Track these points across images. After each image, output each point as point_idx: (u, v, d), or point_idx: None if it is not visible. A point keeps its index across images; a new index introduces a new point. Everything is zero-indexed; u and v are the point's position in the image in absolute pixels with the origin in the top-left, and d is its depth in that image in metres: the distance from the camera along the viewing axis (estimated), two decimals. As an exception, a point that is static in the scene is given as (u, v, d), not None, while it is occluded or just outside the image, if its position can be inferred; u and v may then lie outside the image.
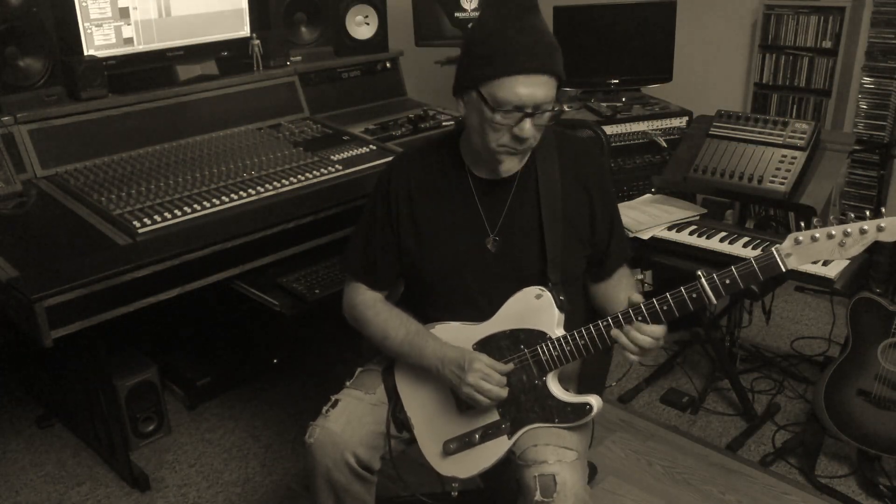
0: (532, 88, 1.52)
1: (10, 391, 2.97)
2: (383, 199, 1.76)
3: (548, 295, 1.63)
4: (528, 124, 1.55)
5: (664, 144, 3.27)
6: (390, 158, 2.49)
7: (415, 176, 1.75)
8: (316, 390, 2.86)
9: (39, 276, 1.87)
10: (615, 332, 1.57)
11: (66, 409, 2.75)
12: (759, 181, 2.52)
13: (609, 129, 3.15)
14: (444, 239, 1.72)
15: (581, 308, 1.81)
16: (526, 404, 1.65)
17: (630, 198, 2.87)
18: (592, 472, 2.41)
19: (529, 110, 1.54)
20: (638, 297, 1.57)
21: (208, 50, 2.79)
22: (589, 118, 3.25)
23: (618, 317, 1.57)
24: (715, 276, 1.51)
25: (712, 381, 2.92)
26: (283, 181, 2.36)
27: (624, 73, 3.52)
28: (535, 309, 1.65)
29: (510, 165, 1.64)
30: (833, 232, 1.44)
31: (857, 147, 2.93)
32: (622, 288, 1.77)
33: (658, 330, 1.55)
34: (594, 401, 1.63)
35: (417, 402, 1.75)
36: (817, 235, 1.45)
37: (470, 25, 3.41)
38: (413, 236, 1.74)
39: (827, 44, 3.55)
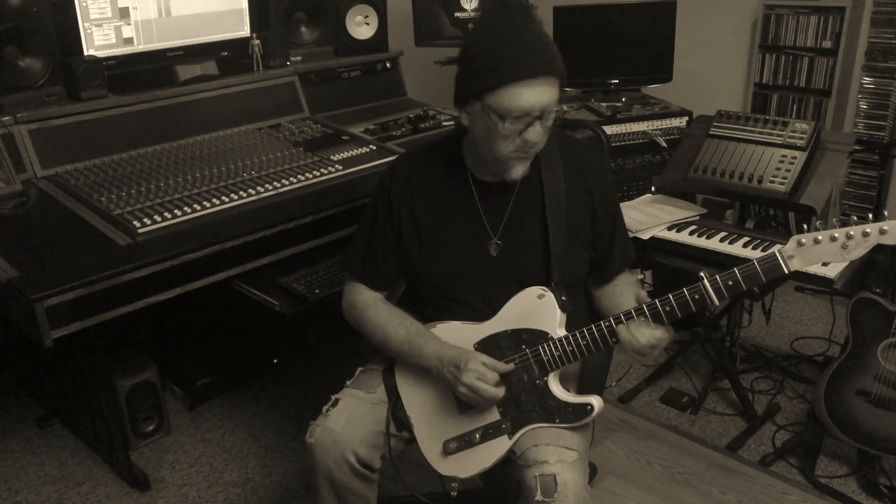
0: (537, 94, 1.52)
1: (10, 391, 2.96)
2: (384, 200, 1.76)
3: (550, 295, 1.64)
4: (537, 128, 1.55)
5: (664, 144, 3.27)
6: (390, 158, 2.49)
7: (416, 178, 1.75)
8: (316, 390, 2.86)
9: (39, 276, 1.87)
10: (617, 327, 1.57)
11: (66, 409, 2.75)
12: (759, 181, 2.52)
13: (609, 129, 3.15)
14: (444, 242, 1.72)
15: (584, 312, 1.81)
16: (527, 404, 1.65)
17: (630, 198, 2.87)
18: (592, 472, 2.41)
19: (537, 114, 1.54)
20: (643, 297, 1.57)
21: (208, 50, 2.79)
22: (589, 118, 3.25)
23: (619, 316, 1.57)
24: (718, 277, 1.51)
25: (712, 381, 2.92)
26: (283, 181, 2.36)
27: (624, 73, 3.52)
28: (536, 309, 1.65)
29: (520, 170, 1.64)
30: (836, 235, 1.44)
31: (857, 147, 2.93)
32: (627, 292, 1.76)
33: (658, 333, 1.54)
34: (595, 401, 1.63)
35: (418, 402, 1.75)
36: (820, 238, 1.45)
37: (468, 30, 3.41)
38: (414, 238, 1.74)
39: (827, 44, 3.55)
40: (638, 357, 1.58)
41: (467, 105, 1.60)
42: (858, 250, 1.44)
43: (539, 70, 1.52)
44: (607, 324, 1.58)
